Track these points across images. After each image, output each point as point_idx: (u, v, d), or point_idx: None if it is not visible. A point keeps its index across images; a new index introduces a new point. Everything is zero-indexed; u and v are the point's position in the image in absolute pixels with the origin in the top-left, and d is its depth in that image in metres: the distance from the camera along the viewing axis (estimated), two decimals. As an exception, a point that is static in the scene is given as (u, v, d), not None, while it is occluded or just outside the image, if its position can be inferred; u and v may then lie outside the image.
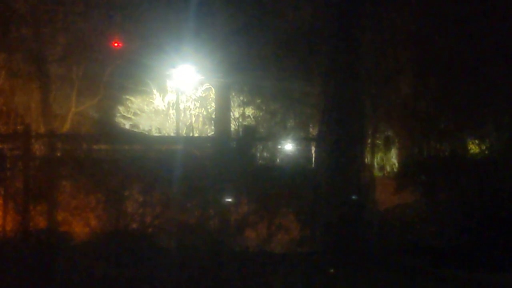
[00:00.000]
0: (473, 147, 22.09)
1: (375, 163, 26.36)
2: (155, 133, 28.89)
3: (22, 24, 21.69)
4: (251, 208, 12.82)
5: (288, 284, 11.65)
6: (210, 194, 12.68)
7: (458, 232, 13.30)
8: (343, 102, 13.70)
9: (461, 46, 20.06)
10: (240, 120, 28.97)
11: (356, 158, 13.71)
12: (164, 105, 29.60)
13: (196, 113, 29.70)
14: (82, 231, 12.41)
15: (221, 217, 12.76)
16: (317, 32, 19.31)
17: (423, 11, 20.96)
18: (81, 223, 12.42)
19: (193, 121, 29.56)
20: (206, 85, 28.49)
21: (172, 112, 29.20)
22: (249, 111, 29.44)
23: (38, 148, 12.78)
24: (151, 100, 29.49)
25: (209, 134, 28.42)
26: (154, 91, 29.21)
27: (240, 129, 26.77)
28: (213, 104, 27.13)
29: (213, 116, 26.41)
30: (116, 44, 24.07)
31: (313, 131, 26.01)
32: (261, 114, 29.03)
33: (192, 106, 29.53)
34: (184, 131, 28.48)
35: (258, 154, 13.53)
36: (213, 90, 26.31)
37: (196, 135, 28.71)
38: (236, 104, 28.71)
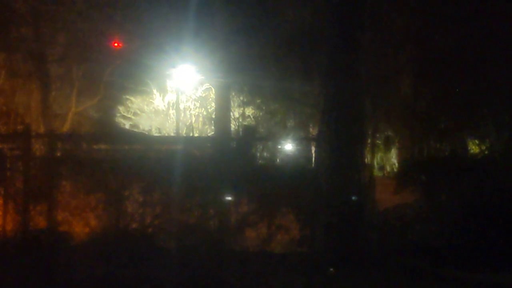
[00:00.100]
0: (473, 147, 22.09)
1: (375, 163, 26.36)
2: (155, 133, 28.89)
3: (22, 24, 21.67)
4: (251, 208, 12.83)
5: (288, 284, 11.66)
6: (210, 194, 12.69)
7: (458, 232, 13.29)
8: (343, 102, 13.70)
9: (461, 46, 20.06)
10: (240, 120, 28.97)
11: (356, 158, 13.70)
12: (164, 105, 29.60)
13: (196, 113, 29.70)
14: (82, 231, 12.42)
15: (221, 217, 12.77)
16: (317, 32, 19.33)
17: (423, 11, 20.96)
18: (81, 223, 12.43)
19: (193, 121, 29.56)
20: (206, 85, 28.49)
21: (172, 112, 29.20)
22: (249, 111, 29.44)
23: (38, 148, 12.79)
24: (151, 100, 29.49)
25: (209, 134, 28.41)
26: (154, 91, 29.20)
27: (240, 129, 26.77)
28: (213, 104, 27.13)
29: (213, 116, 26.41)
30: (116, 44, 24.06)
31: (313, 131, 26.01)
32: (261, 114, 29.03)
33: (192, 106, 29.52)
34: (184, 131, 28.48)
35: (258, 154, 13.54)
36: (213, 90, 26.32)
37: (196, 135, 28.71)
38: (236, 104, 28.71)
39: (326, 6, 14.59)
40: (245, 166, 12.96)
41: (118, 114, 29.16)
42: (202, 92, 29.21)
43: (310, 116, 26.57)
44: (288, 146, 14.52)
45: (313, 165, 14.11)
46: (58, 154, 12.81)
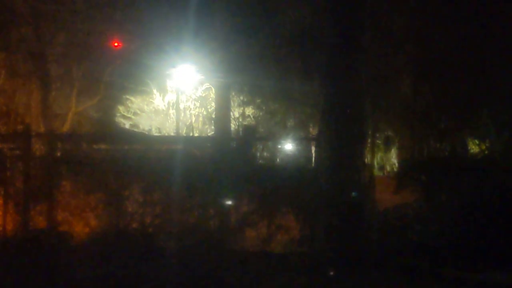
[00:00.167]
0: (473, 147, 22.10)
1: (375, 163, 26.37)
2: (155, 133, 28.89)
3: (22, 24, 21.67)
4: (251, 208, 12.83)
5: (288, 284, 11.66)
6: (210, 194, 12.69)
7: (458, 232, 13.29)
8: (343, 102, 13.69)
9: (461, 46, 20.07)
10: (240, 120, 28.98)
11: (356, 158, 13.70)
12: (164, 105, 29.60)
13: (196, 113, 29.70)
14: (82, 231, 12.42)
15: (221, 217, 12.77)
16: (317, 32, 19.33)
17: (423, 11, 20.96)
18: (81, 223, 12.43)
19: (193, 121, 29.56)
20: (206, 85, 28.50)
21: (172, 112, 29.20)
22: (249, 111, 29.45)
23: (38, 148, 12.78)
24: (151, 100, 29.49)
25: (209, 134, 28.41)
26: (154, 91, 29.20)
27: (240, 129, 26.77)
28: (213, 104, 27.14)
29: (213, 116, 26.42)
30: (116, 44, 24.06)
31: (313, 131, 26.01)
32: (261, 114, 29.04)
33: (192, 106, 29.53)
34: (184, 131, 28.48)
35: (258, 154, 13.55)
36: (213, 90, 26.33)
37: (196, 135, 28.71)
38: (236, 104, 28.72)
39: (326, 6, 14.59)
40: (245, 166, 12.96)
41: (118, 114, 29.17)
42: (202, 92, 29.21)
43: (310, 116, 26.58)
44: (288, 146, 14.52)
45: (313, 165, 14.11)
46: (58, 154, 12.81)
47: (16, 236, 12.34)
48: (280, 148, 14.43)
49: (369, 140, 23.97)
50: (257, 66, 23.57)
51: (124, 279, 11.40)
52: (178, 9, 21.89)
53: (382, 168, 27.66)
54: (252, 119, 29.11)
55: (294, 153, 14.13)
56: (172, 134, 28.06)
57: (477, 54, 19.77)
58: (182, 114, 28.47)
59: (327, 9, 14.41)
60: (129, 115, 29.47)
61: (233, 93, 26.89)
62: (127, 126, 29.15)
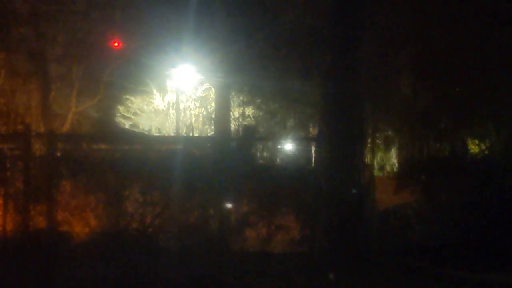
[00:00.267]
0: (473, 147, 22.11)
1: (375, 163, 26.39)
2: (155, 133, 28.89)
3: (22, 24, 21.68)
4: (251, 208, 12.82)
5: (288, 284, 11.65)
6: (210, 194, 12.68)
7: (458, 232, 13.29)
8: (343, 102, 13.69)
9: (461, 46, 20.08)
10: (240, 120, 28.99)
11: (356, 158, 13.70)
12: (164, 105, 29.60)
13: (196, 113, 29.70)
14: (82, 231, 12.41)
15: (221, 217, 12.76)
16: (317, 32, 19.32)
17: (423, 11, 20.97)
18: (81, 223, 12.42)
19: (193, 121, 29.56)
20: (206, 85, 28.50)
21: (172, 112, 29.20)
22: (249, 111, 29.46)
23: (38, 148, 12.77)
24: (151, 100, 29.49)
25: (209, 134, 28.41)
26: (154, 91, 29.21)
27: (240, 129, 26.78)
28: (213, 104, 27.13)
29: (213, 116, 26.41)
30: (116, 44, 24.08)
31: (313, 131, 26.03)
32: (261, 114, 29.05)
33: (192, 106, 29.53)
34: (184, 131, 28.48)
35: (258, 154, 13.54)
36: (213, 90, 26.32)
37: (196, 135, 28.70)
38: (236, 104, 28.72)
39: (326, 6, 14.60)
40: (245, 166, 12.95)
41: (118, 114, 29.17)
42: (202, 92, 29.21)
43: (310, 116, 26.60)
44: (288, 146, 14.52)
45: (313, 165, 14.11)
46: (58, 154, 12.80)
47: (16, 236, 12.33)
48: (280, 148, 14.43)
49: (369, 140, 24.04)
50: (257, 66, 23.58)
51: (124, 279, 11.40)
52: (178, 9, 21.89)
53: (382, 168, 27.67)
54: (252, 119, 29.12)
55: (294, 153, 14.13)
56: (172, 134, 28.06)
57: (477, 54, 19.78)
58: (182, 114, 28.46)
59: (327, 9, 14.42)
60: (129, 115, 29.47)
61: (233, 93, 26.90)
62: (127, 126, 29.15)
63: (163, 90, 29.35)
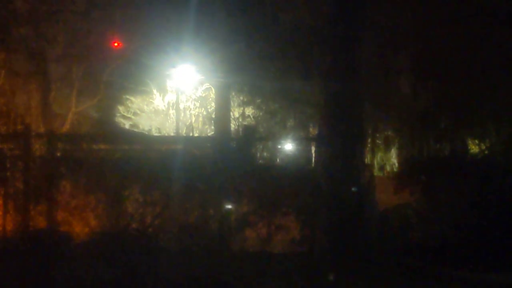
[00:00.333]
0: (473, 147, 22.11)
1: (375, 163, 26.39)
2: (155, 133, 28.88)
3: (22, 24, 21.67)
4: (251, 208, 12.82)
5: (288, 284, 11.65)
6: (210, 194, 12.67)
7: (458, 232, 13.29)
8: (343, 102, 13.70)
9: (461, 46, 20.08)
10: (240, 120, 28.98)
11: (356, 157, 13.71)
12: (164, 105, 29.60)
13: (196, 113, 29.69)
14: (82, 231, 12.41)
15: (221, 217, 12.76)
16: (317, 32, 19.33)
17: (423, 11, 20.97)
18: (81, 223, 12.42)
19: (193, 121, 29.55)
20: (206, 85, 28.49)
21: (172, 112, 29.19)
22: (249, 111, 29.45)
23: (38, 148, 12.77)
24: (151, 100, 29.48)
25: (209, 134, 28.41)
26: (154, 91, 29.20)
27: (240, 129, 26.77)
28: (213, 104, 27.14)
29: (213, 116, 26.43)
30: (116, 44, 24.07)
31: (313, 131, 26.04)
32: (261, 114, 29.05)
33: (192, 106, 29.52)
34: (184, 131, 28.47)
35: (258, 154, 13.53)
36: (213, 90, 26.33)
37: (196, 135, 28.70)
38: (236, 104, 28.72)
39: (326, 6, 14.60)
40: (245, 166, 12.95)
41: (118, 114, 29.16)
42: (202, 92, 29.20)
43: (310, 116, 26.61)
44: (288, 146, 14.51)
45: (313, 165, 14.12)
46: (58, 154, 12.80)
47: (16, 236, 12.33)
48: (280, 148, 14.43)
49: (369, 140, 24.05)
50: (257, 66, 23.58)
51: (124, 279, 11.40)
52: (178, 9, 21.90)
53: (382, 168, 27.67)
54: (252, 119, 29.11)
55: (294, 153, 14.13)
56: (172, 134, 28.05)
57: (477, 54, 19.78)
58: (182, 114, 28.46)
59: (327, 9, 14.42)
60: (129, 115, 29.46)
61: (233, 93, 26.90)
62: (127, 126, 29.15)
63: (163, 90, 29.34)
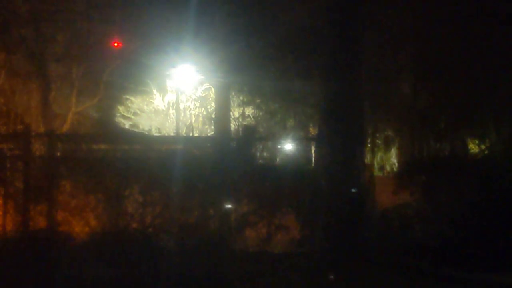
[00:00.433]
0: (473, 147, 22.11)
1: (375, 163, 26.39)
2: (155, 133, 28.89)
3: (22, 24, 21.68)
4: (251, 208, 12.82)
5: (288, 284, 11.66)
6: (210, 194, 12.67)
7: (458, 232, 13.29)
8: (343, 102, 13.70)
9: (461, 46, 20.07)
10: (240, 120, 28.98)
11: (356, 157, 13.71)
12: (164, 105, 29.60)
13: (196, 113, 29.69)
14: (82, 231, 12.41)
15: (221, 217, 12.76)
16: (317, 32, 19.33)
17: (423, 11, 20.97)
18: (81, 223, 12.42)
19: (193, 121, 29.55)
20: (206, 85, 28.49)
21: (172, 112, 29.19)
22: (249, 111, 29.46)
23: (38, 148, 12.77)
24: (151, 100, 29.49)
25: (209, 134, 28.41)
26: (154, 91, 29.20)
27: (240, 129, 26.77)
28: (213, 104, 27.12)
29: (213, 116, 26.40)
30: (116, 44, 24.07)
31: (313, 131, 26.04)
32: (261, 114, 29.05)
33: (192, 106, 29.52)
34: (184, 131, 28.47)
35: (258, 154, 13.53)
36: (213, 90, 26.31)
37: (196, 135, 28.70)
38: (236, 104, 28.72)
39: (326, 6, 14.60)
40: (245, 166, 12.95)
41: (118, 114, 29.17)
42: (202, 92, 29.20)
43: (310, 116, 26.61)
44: (288, 146, 14.52)
45: (313, 165, 14.12)
46: (58, 154, 12.80)
47: (16, 236, 12.33)
48: (280, 148, 14.43)
49: (369, 140, 24.05)
50: (257, 66, 23.59)
51: (124, 279, 11.40)
52: (178, 9, 21.89)
53: (382, 168, 27.67)
54: (252, 119, 29.11)
55: (294, 153, 14.13)
56: (172, 134, 28.05)
57: (477, 54, 19.78)
58: (182, 114, 28.46)
59: (327, 9, 14.42)
60: (129, 115, 29.46)
61: (233, 93, 26.89)
62: (127, 126, 29.15)
63: (163, 90, 29.34)
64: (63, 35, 22.89)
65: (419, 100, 22.77)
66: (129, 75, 26.44)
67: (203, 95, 29.26)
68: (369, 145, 23.93)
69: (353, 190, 13.38)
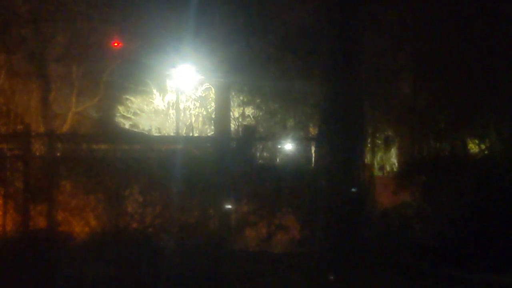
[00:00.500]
0: (473, 147, 22.09)
1: (375, 163, 26.38)
2: (155, 133, 28.87)
3: (22, 24, 21.68)
4: (251, 208, 12.82)
5: (288, 284, 11.66)
6: (210, 194, 12.68)
7: (458, 232, 13.29)
8: (343, 102, 13.70)
9: (461, 46, 20.06)
10: (240, 120, 28.97)
11: (356, 158, 13.71)
12: (164, 105, 29.59)
13: (196, 113, 29.68)
14: (82, 231, 12.42)
15: (221, 217, 12.76)
16: (317, 32, 19.34)
17: (423, 11, 20.96)
18: (81, 223, 12.43)
19: (193, 121, 29.54)
20: (206, 85, 28.48)
21: (172, 112, 29.18)
22: (249, 111, 29.44)
23: (38, 148, 12.77)
24: (151, 100, 29.47)
25: (209, 134, 28.40)
26: (154, 91, 29.19)
27: (240, 129, 26.77)
28: (213, 104, 27.11)
29: (213, 116, 26.39)
30: (116, 44, 24.08)
31: (313, 131, 26.02)
32: (261, 114, 29.03)
33: (192, 106, 29.51)
34: (184, 131, 28.46)
35: (258, 154, 13.54)
36: (213, 90, 26.29)
37: (196, 135, 28.69)
38: (236, 104, 28.70)
39: (326, 6, 14.60)
40: (245, 166, 12.96)
41: (118, 114, 29.15)
42: (202, 92, 29.19)
43: (310, 116, 26.58)
44: (288, 146, 14.52)
45: (313, 165, 14.11)
46: (58, 154, 12.80)
47: (16, 236, 12.33)
48: (280, 148, 14.43)
49: (369, 140, 24.04)
50: (257, 66, 23.58)
51: (124, 279, 11.40)
52: (178, 9, 21.89)
53: (382, 168, 27.66)
54: (252, 119, 29.09)
55: (294, 153, 14.13)
56: (172, 134, 28.04)
57: (478, 53, 19.76)
58: (182, 114, 28.45)
59: (327, 9, 14.42)
60: (129, 115, 29.45)
61: (233, 93, 26.87)
62: (127, 126, 29.13)
63: (163, 90, 29.33)
64: (63, 35, 22.89)
65: (419, 100, 22.74)
66: (129, 75, 26.42)
67: (203, 95, 29.25)
68: (369, 145, 23.91)
69: (353, 190, 13.38)
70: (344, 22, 13.80)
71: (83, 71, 24.23)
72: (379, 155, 27.53)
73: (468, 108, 20.91)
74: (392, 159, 28.02)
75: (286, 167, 13.56)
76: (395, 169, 26.47)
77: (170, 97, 29.18)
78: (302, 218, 12.90)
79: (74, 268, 11.63)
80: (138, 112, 29.54)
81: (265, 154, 13.79)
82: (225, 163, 12.77)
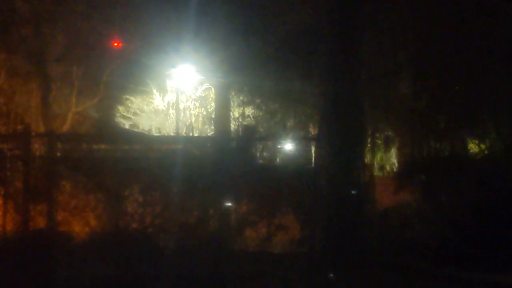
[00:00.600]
0: (473, 147, 22.09)
1: (375, 163, 26.38)
2: (155, 133, 28.87)
3: (22, 24, 21.68)
4: (251, 208, 12.82)
5: (288, 284, 11.65)
6: (210, 194, 12.68)
7: (458, 232, 13.29)
8: (343, 102, 13.70)
9: (460, 46, 20.06)
10: (240, 120, 28.97)
11: (356, 157, 13.71)
12: (164, 105, 29.59)
13: (196, 113, 29.68)
14: (82, 231, 12.41)
15: (221, 217, 12.76)
16: (317, 32, 19.33)
17: (423, 11, 20.95)
18: (81, 223, 12.42)
19: (193, 121, 29.54)
20: (206, 85, 28.48)
21: (172, 112, 29.18)
22: (249, 111, 29.44)
23: (38, 148, 12.77)
24: (151, 100, 29.47)
25: (209, 134, 28.40)
26: (154, 91, 29.19)
27: (240, 129, 26.78)
28: (213, 104, 27.11)
29: (213, 116, 26.39)
30: (116, 44, 24.07)
31: (313, 131, 26.03)
32: (261, 114, 29.03)
33: (192, 106, 29.51)
34: (184, 131, 28.46)
35: (258, 154, 13.54)
36: (213, 90, 26.30)
37: (196, 135, 28.69)
38: (236, 104, 28.70)
39: (326, 5, 14.60)
40: (245, 166, 12.95)
41: (118, 114, 29.15)
42: (202, 92, 29.19)
43: (310, 116, 26.59)
44: (288, 146, 14.51)
45: (313, 165, 14.11)
46: (58, 154, 12.80)
47: (16, 236, 12.33)
48: (280, 148, 14.42)
49: (369, 140, 24.05)
50: (257, 66, 23.58)
51: (124, 279, 11.40)
52: (178, 9, 21.89)
53: (382, 168, 27.65)
54: (252, 119, 29.09)
55: (294, 153, 14.12)
56: (172, 134, 28.04)
57: (478, 53, 19.76)
58: (182, 114, 28.45)
59: (327, 9, 14.42)
60: (129, 115, 29.44)
61: (233, 93, 26.88)
62: (127, 126, 29.13)
63: (163, 90, 29.33)
64: (63, 35, 22.89)
65: (419, 100, 22.73)
66: (129, 75, 26.41)
67: (203, 95, 29.25)
68: (369, 145, 23.92)
69: (353, 191, 13.37)
70: (344, 22, 13.80)
71: (83, 71, 24.22)
72: (379, 155, 27.52)
73: (468, 108, 20.90)
74: (392, 159, 28.01)
75: (286, 167, 13.56)
76: (395, 169, 26.46)
77: (170, 97, 29.18)
78: (302, 218, 12.89)
79: (74, 268, 11.64)
80: (138, 112, 29.54)
81: (265, 154, 13.78)
82: (225, 163, 12.77)
